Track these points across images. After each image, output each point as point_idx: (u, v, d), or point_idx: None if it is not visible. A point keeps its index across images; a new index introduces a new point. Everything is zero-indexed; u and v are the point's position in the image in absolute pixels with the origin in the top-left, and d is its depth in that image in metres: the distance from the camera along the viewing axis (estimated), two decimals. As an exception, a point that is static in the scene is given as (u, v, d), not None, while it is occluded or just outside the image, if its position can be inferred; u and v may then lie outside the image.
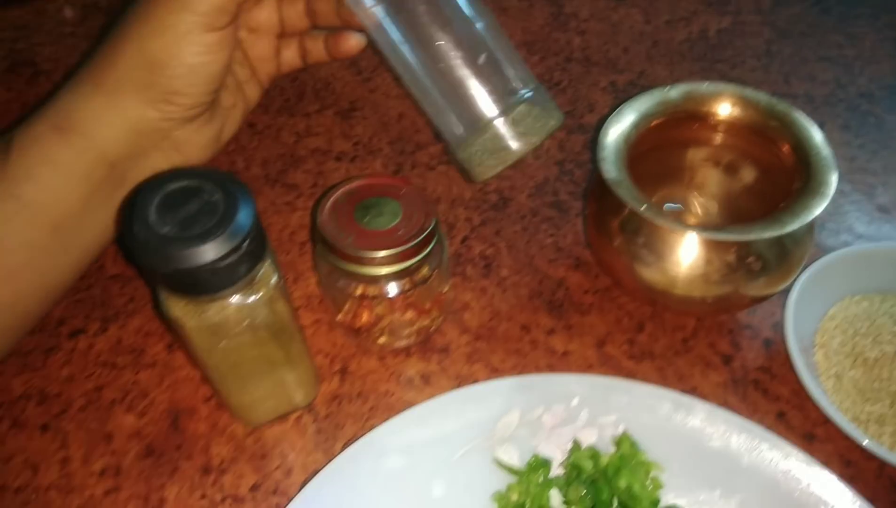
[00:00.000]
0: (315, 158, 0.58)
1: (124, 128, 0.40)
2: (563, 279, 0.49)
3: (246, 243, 0.33)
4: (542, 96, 0.39)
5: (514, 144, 0.38)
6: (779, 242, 0.40)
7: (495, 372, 0.45)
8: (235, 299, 0.35)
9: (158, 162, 0.43)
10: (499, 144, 0.38)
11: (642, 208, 0.38)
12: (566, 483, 0.38)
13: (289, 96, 0.63)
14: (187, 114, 0.41)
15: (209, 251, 0.31)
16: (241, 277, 0.34)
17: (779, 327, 0.46)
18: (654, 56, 0.65)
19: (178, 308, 0.35)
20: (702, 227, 0.38)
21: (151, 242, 0.31)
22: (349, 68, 0.65)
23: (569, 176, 0.55)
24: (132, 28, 0.40)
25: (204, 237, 0.31)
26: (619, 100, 0.54)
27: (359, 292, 0.42)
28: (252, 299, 0.35)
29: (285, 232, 0.53)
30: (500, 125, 0.38)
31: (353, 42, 0.44)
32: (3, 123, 0.63)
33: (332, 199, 0.42)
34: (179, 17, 0.38)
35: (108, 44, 0.41)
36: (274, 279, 0.36)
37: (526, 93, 0.38)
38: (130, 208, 0.32)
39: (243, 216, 0.33)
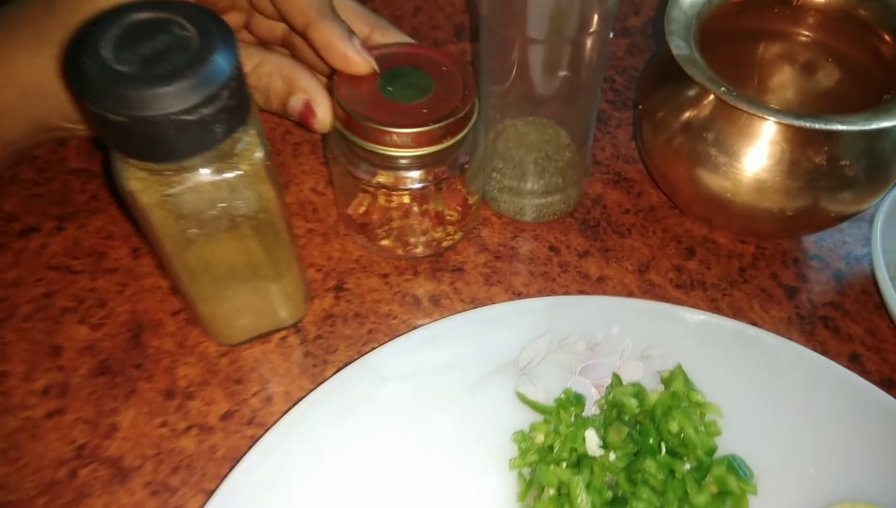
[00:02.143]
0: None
1: None
2: (600, 196, 0.42)
3: (224, 94, 0.26)
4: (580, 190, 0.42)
5: (528, 216, 0.41)
6: (873, 146, 0.33)
7: (517, 297, 0.39)
8: (208, 172, 0.29)
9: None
10: (517, 204, 0.41)
11: (721, 90, 0.30)
12: (604, 425, 0.32)
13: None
14: None
15: (175, 97, 0.25)
16: (216, 141, 0.27)
17: (852, 257, 0.39)
18: (706, -37, 0.58)
19: (137, 180, 0.28)
20: (795, 114, 0.30)
21: (101, 79, 0.25)
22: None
23: (609, 83, 0.49)
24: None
25: (168, 78, 0.25)
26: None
27: (371, 178, 0.35)
28: (230, 175, 0.29)
29: (278, 131, 0.46)
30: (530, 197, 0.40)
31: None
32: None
33: None
34: None
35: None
36: (259, 154, 0.29)
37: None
38: (81, 38, 0.25)
39: (222, 60, 0.26)
